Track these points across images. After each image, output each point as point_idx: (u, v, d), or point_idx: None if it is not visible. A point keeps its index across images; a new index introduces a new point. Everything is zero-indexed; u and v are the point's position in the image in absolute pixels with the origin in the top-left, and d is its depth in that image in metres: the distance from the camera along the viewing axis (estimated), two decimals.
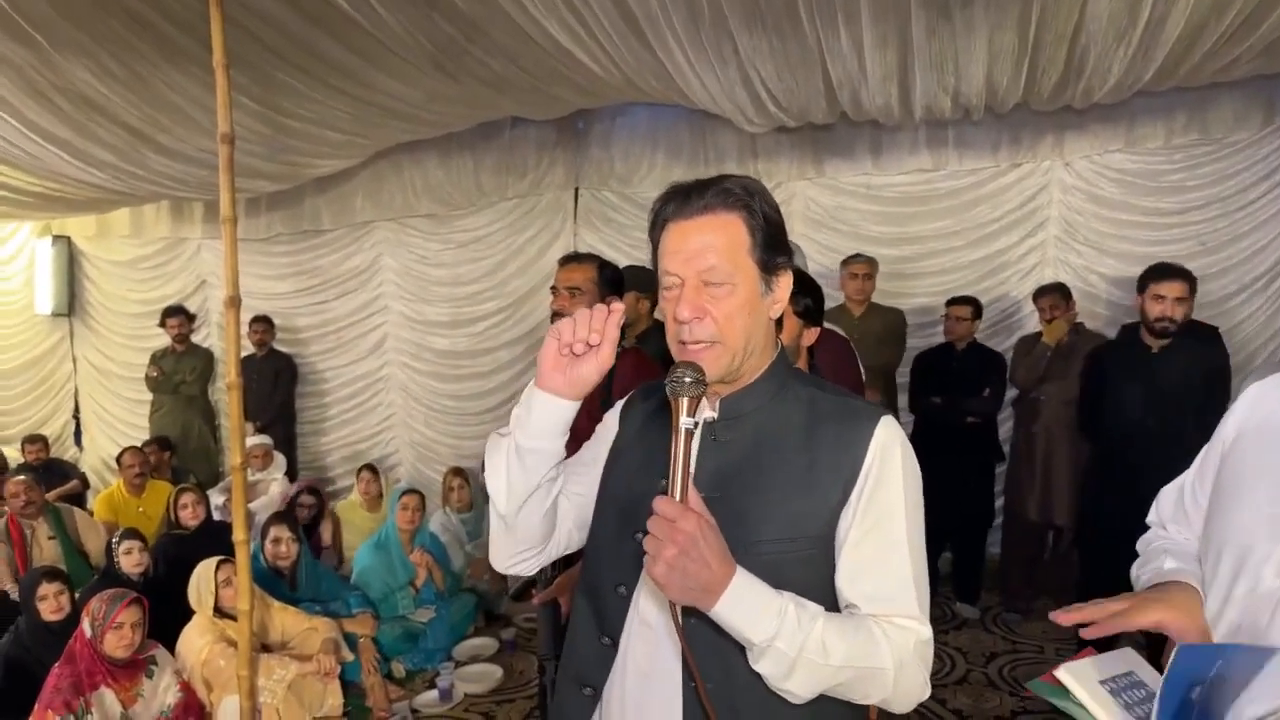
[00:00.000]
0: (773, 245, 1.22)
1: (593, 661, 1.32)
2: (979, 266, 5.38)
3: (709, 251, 1.17)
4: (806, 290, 2.31)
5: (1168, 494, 1.39)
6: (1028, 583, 4.68)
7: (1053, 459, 4.44)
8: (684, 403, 1.10)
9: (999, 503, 4.92)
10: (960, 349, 4.73)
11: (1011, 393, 4.87)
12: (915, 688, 1.17)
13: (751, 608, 1.08)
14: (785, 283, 1.25)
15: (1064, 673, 1.08)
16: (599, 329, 1.17)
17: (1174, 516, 1.36)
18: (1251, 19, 3.55)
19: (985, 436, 4.73)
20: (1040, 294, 4.68)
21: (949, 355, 4.76)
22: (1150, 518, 1.43)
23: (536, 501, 1.27)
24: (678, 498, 1.07)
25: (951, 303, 4.79)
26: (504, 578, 5.07)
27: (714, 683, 1.16)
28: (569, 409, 1.22)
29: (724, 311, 1.18)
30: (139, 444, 5.92)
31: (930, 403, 4.70)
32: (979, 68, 4.07)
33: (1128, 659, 1.16)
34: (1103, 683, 1.09)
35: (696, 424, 1.11)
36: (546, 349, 1.20)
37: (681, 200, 1.21)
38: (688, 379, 1.11)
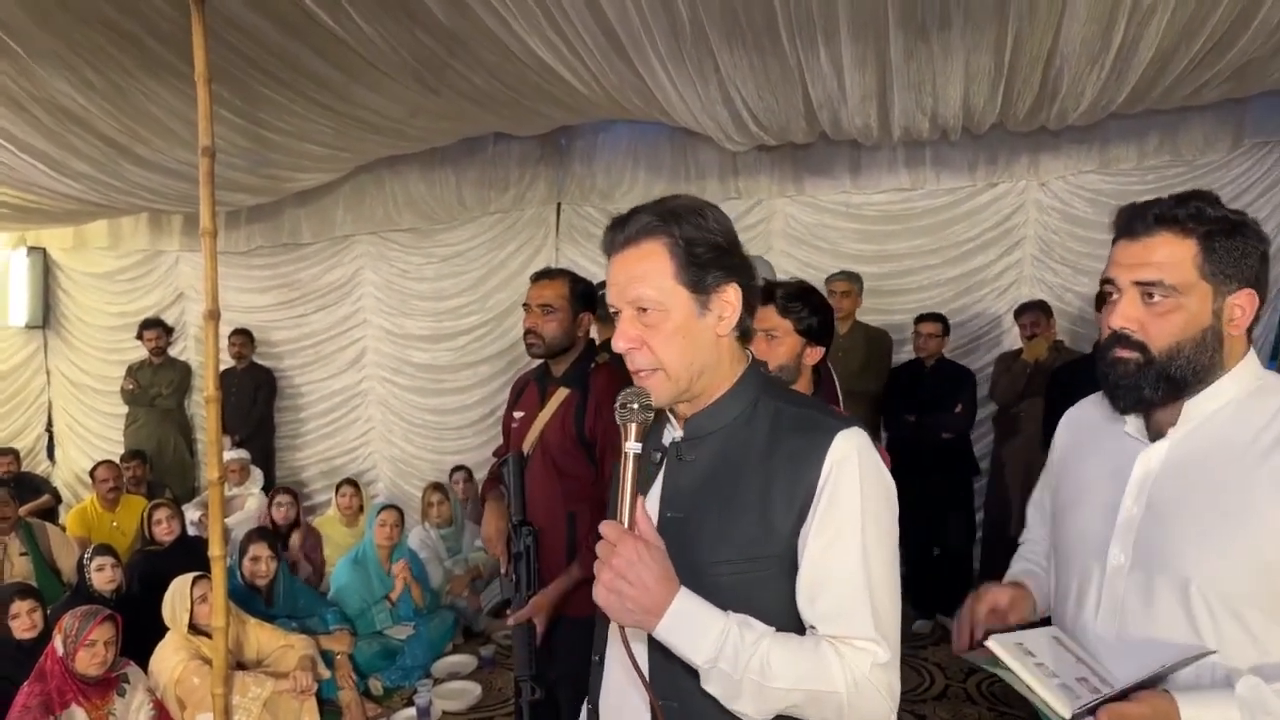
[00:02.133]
0: (702, 264, 1.20)
1: (592, 679, 1.38)
2: (956, 284, 5.44)
3: (636, 282, 1.20)
4: (814, 309, 2.29)
5: (1029, 509, 1.70)
6: None
7: (1033, 474, 4.42)
8: (631, 428, 1.14)
9: (979, 517, 4.95)
10: (929, 366, 4.76)
11: (991, 408, 4.91)
12: (874, 711, 1.13)
13: (692, 630, 1.09)
14: (729, 298, 1.22)
15: (992, 642, 1.24)
16: None
17: (1037, 521, 1.65)
18: (1220, 44, 3.63)
19: (961, 452, 4.76)
20: (1021, 311, 4.73)
21: (919, 373, 4.79)
22: (1023, 536, 1.70)
23: None
24: (626, 521, 1.11)
25: (921, 319, 4.81)
26: (482, 594, 5.05)
27: (675, 702, 1.18)
28: None
29: (659, 339, 1.20)
30: (115, 458, 5.85)
31: (905, 421, 4.71)
32: (956, 89, 4.14)
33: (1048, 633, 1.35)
34: (1027, 651, 1.25)
35: (646, 448, 1.16)
36: None
37: (611, 234, 1.25)
38: (635, 405, 1.15)
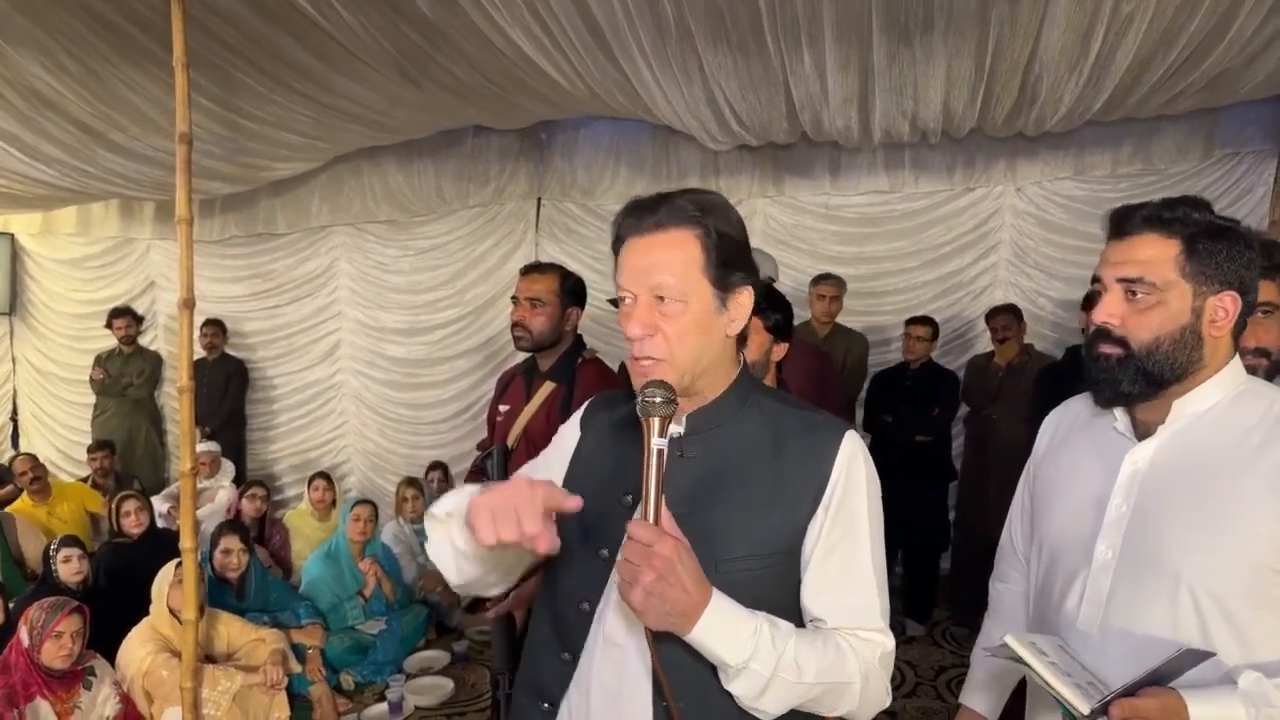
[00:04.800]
0: (729, 263, 1.19)
1: (551, 676, 1.29)
2: (933, 287, 5.49)
3: (661, 269, 1.16)
4: (776, 306, 2.32)
5: (1010, 512, 1.68)
6: (978, 599, 4.73)
7: (1003, 478, 4.49)
8: (655, 423, 1.08)
9: (951, 518, 4.99)
10: (914, 368, 4.78)
11: (963, 411, 4.95)
12: (879, 697, 1.20)
13: (727, 630, 1.08)
14: (743, 300, 1.23)
15: (1010, 639, 1.27)
16: (521, 526, 1.04)
17: (1018, 525, 1.64)
18: (1195, 55, 3.69)
19: (938, 454, 4.78)
20: (993, 315, 4.78)
21: (903, 375, 4.81)
22: (1003, 537, 1.71)
23: (489, 564, 1.25)
24: (651, 519, 1.05)
25: (911, 322, 4.83)
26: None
27: (685, 703, 1.15)
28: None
29: (675, 330, 1.17)
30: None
31: (882, 421, 4.74)
32: (937, 94, 4.17)
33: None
34: (1041, 651, 1.28)
35: (667, 444, 1.10)
36: (479, 517, 1.06)
37: (637, 216, 1.20)
38: (658, 399, 1.08)
